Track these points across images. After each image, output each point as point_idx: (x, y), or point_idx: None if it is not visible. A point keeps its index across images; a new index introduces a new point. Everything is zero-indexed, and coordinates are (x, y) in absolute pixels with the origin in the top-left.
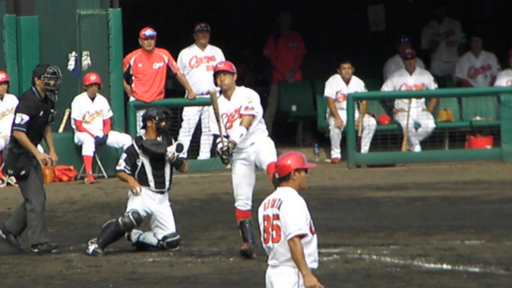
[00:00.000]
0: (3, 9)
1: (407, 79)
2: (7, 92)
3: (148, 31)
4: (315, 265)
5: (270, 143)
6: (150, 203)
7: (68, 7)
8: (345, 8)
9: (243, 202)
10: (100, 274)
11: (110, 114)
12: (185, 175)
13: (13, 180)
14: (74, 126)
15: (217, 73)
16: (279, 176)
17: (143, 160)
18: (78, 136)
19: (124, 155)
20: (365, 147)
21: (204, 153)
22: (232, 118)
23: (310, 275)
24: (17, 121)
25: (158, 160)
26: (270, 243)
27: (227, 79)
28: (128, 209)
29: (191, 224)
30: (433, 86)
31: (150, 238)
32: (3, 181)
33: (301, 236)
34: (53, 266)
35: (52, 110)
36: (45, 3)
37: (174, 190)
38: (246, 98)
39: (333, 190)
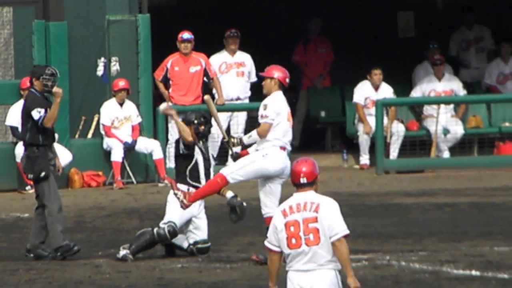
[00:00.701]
0: (32, 15)
1: (436, 85)
2: None
3: (186, 34)
4: None
5: (249, 157)
6: (190, 210)
7: (97, 13)
8: (374, 14)
9: (263, 210)
10: (128, 280)
11: (139, 119)
12: None
13: None
14: (103, 132)
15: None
16: (307, 181)
17: (198, 158)
18: (107, 142)
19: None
20: (393, 153)
21: None
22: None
23: (354, 277)
24: (36, 116)
25: (208, 160)
26: (304, 247)
27: (265, 84)
28: (166, 219)
29: (220, 230)
30: (462, 92)
31: (181, 240)
32: (32, 186)
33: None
34: (81, 272)
35: None
36: (74, 9)
37: None
38: (263, 105)
39: (362, 196)
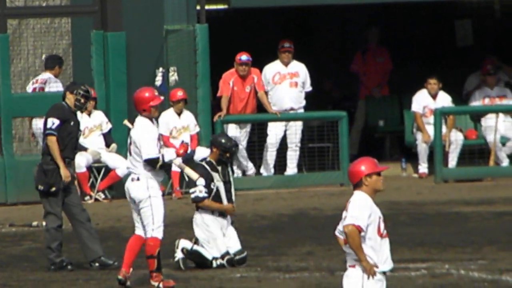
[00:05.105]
0: (91, 25)
1: (489, 92)
2: (95, 108)
3: (244, 56)
4: (387, 267)
5: (156, 203)
6: (222, 233)
7: (155, 23)
8: (432, 23)
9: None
10: None
11: (197, 129)
12: (272, 191)
13: (101, 196)
14: (161, 142)
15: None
16: (352, 183)
17: (218, 184)
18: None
19: (201, 180)
20: (452, 162)
21: (291, 169)
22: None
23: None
24: (49, 125)
25: (227, 182)
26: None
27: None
28: (218, 253)
29: (279, 239)
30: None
31: (205, 252)
32: (91, 197)
33: (358, 228)
34: (140, 281)
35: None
36: (132, 19)
37: (262, 205)
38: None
39: (421, 205)
